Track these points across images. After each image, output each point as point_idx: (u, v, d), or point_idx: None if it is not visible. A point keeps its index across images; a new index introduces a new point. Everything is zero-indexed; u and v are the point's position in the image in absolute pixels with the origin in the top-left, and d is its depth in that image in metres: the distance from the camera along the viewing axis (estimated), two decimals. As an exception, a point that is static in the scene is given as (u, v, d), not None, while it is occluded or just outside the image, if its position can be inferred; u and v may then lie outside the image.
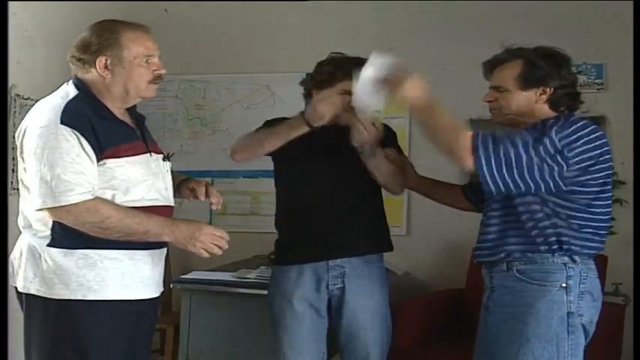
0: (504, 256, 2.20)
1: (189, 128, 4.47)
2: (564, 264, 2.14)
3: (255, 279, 3.06)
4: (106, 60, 2.17)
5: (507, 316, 2.19)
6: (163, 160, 2.33)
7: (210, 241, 2.16)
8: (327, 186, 2.52)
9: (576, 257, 2.16)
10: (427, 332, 3.41)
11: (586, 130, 2.13)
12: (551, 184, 2.08)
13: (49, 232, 2.13)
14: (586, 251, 2.18)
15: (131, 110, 2.32)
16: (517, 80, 2.21)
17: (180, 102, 4.50)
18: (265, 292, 2.89)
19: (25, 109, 3.50)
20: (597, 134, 2.15)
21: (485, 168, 2.07)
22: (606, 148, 2.16)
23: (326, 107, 2.36)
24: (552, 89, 2.21)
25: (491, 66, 2.31)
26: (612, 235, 3.80)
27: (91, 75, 2.20)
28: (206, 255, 2.17)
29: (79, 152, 2.07)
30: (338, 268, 2.50)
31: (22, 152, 2.18)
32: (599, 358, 3.05)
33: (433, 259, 3.90)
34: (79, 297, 2.11)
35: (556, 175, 2.07)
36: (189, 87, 4.48)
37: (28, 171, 2.14)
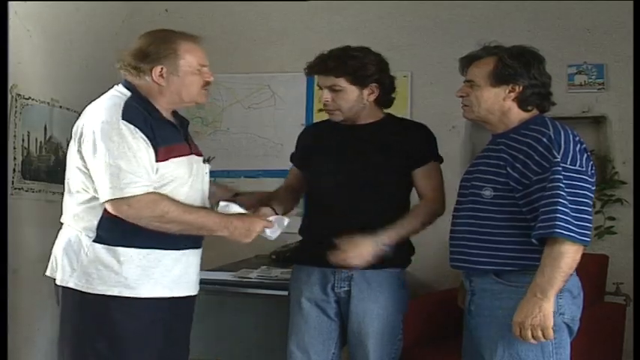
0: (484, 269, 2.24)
1: (190, 128, 4.44)
2: (538, 266, 2.14)
3: (256, 279, 3.07)
4: (162, 69, 2.28)
5: (489, 319, 2.22)
6: (203, 162, 2.43)
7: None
8: (339, 195, 2.49)
9: None
10: (428, 332, 3.40)
11: (576, 138, 2.18)
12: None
13: (94, 229, 2.20)
14: None
15: (175, 113, 2.44)
16: (488, 76, 2.26)
17: (181, 102, 4.49)
18: (266, 291, 2.90)
19: (27, 109, 3.50)
20: (577, 135, 2.21)
21: (582, 237, 2.10)
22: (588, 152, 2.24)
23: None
24: (521, 88, 2.25)
25: (467, 62, 2.36)
26: (613, 235, 3.82)
27: (143, 81, 2.29)
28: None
29: (139, 147, 2.16)
30: (345, 272, 2.49)
31: (79, 149, 2.24)
32: (600, 357, 3.06)
33: (434, 259, 3.89)
34: (116, 293, 2.19)
35: (590, 191, 2.14)
36: (190, 87, 4.47)
37: (90, 165, 2.20)
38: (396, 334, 2.54)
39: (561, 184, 2.08)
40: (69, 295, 2.23)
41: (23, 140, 3.50)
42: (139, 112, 2.22)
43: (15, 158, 3.43)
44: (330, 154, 2.55)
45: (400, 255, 2.56)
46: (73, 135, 2.30)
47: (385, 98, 2.60)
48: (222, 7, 4.43)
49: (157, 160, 2.21)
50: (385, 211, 2.48)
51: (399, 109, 4.16)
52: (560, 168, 2.10)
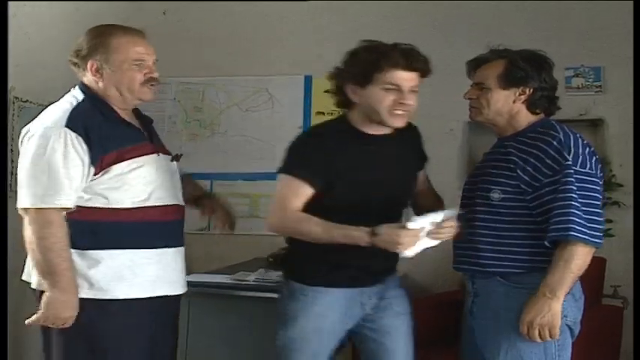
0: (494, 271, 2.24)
1: (188, 130, 4.47)
2: (544, 268, 2.15)
3: (254, 282, 3.06)
4: (96, 64, 2.23)
5: (493, 321, 2.22)
6: (171, 160, 2.39)
7: None
8: (368, 211, 2.21)
9: None
10: (426, 335, 3.40)
11: (584, 141, 2.20)
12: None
13: None
14: None
15: (138, 113, 2.39)
16: (498, 79, 2.27)
17: (178, 104, 4.50)
18: (263, 294, 2.89)
19: (24, 112, 3.51)
20: (585, 139, 2.23)
21: (590, 240, 2.11)
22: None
23: (405, 243, 2.09)
24: (531, 90, 2.26)
25: (475, 65, 2.37)
26: (610, 237, 3.82)
27: (87, 79, 2.26)
28: None
29: (74, 157, 2.11)
30: (373, 287, 2.36)
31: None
32: (597, 360, 3.06)
33: (432, 261, 3.89)
34: (91, 296, 2.16)
35: (599, 193, 2.16)
36: (188, 89, 4.48)
37: (21, 167, 2.16)
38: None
39: (573, 187, 2.10)
40: (36, 296, 2.20)
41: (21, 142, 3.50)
42: (87, 117, 2.16)
43: (12, 161, 3.43)
44: (367, 168, 2.28)
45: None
46: (20, 137, 2.26)
47: None
48: (220, 9, 4.44)
49: (103, 165, 2.15)
50: None
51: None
52: (571, 171, 2.11)
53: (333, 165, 2.24)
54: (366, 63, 2.21)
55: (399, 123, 2.27)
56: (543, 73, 2.27)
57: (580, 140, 2.18)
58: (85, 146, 2.12)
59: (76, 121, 2.14)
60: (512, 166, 2.21)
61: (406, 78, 2.24)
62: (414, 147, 2.46)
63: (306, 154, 2.28)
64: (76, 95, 2.26)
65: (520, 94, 2.26)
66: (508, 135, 2.30)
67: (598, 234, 2.11)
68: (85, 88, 2.26)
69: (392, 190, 2.31)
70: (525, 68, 2.25)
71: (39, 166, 2.11)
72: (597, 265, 3.49)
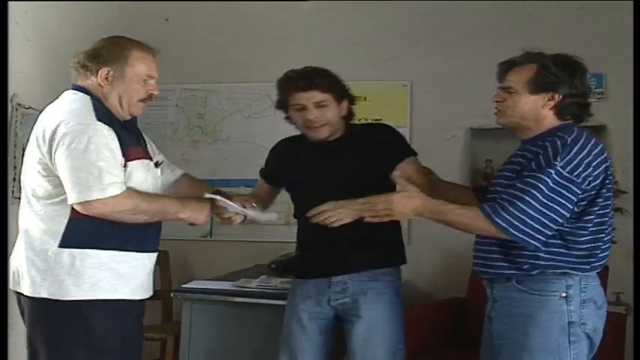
0: (504, 273, 2.20)
1: (190, 137, 4.49)
2: (563, 273, 2.13)
3: (256, 288, 3.06)
4: (108, 72, 2.26)
5: (509, 327, 2.19)
6: (155, 166, 2.43)
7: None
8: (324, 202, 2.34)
9: (575, 272, 2.15)
10: (427, 342, 3.40)
11: (586, 150, 2.12)
12: (567, 213, 2.10)
13: (60, 233, 2.17)
14: (585, 267, 2.17)
15: (128, 121, 2.40)
16: (528, 83, 2.20)
17: (181, 111, 4.51)
18: (266, 301, 2.90)
19: (27, 119, 3.50)
20: (598, 150, 2.15)
21: (512, 231, 2.08)
22: (607, 164, 2.17)
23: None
24: (561, 96, 2.20)
25: (506, 68, 2.30)
26: (613, 244, 3.81)
27: (89, 82, 2.28)
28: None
29: (115, 146, 2.18)
30: (340, 284, 2.48)
31: (47, 152, 2.18)
32: (600, 367, 3.05)
33: (434, 268, 3.90)
34: (91, 297, 2.17)
35: (573, 202, 2.09)
36: (190, 96, 4.49)
37: (65, 167, 2.14)
38: (397, 344, 2.50)
39: (541, 186, 2.06)
40: (42, 305, 2.18)
41: (24, 149, 3.50)
42: (107, 113, 2.24)
43: (15, 167, 3.43)
44: (316, 171, 2.54)
45: (394, 252, 2.57)
46: (33, 140, 2.27)
47: (351, 113, 2.62)
48: (222, 16, 4.45)
49: (126, 160, 2.22)
50: (373, 222, 2.37)
51: (399, 118, 4.20)
52: (552, 171, 2.07)
53: (281, 164, 2.71)
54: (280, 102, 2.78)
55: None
56: (575, 79, 2.22)
57: (589, 148, 2.12)
58: (115, 136, 2.20)
59: (102, 115, 2.20)
60: (518, 168, 2.18)
61: (303, 98, 2.64)
62: (378, 149, 2.54)
63: None
64: (79, 95, 2.27)
65: (549, 100, 2.20)
66: (529, 138, 2.25)
67: (525, 229, 2.07)
68: (84, 90, 2.27)
69: (331, 190, 2.40)
70: (557, 73, 2.19)
71: (85, 161, 2.12)
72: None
